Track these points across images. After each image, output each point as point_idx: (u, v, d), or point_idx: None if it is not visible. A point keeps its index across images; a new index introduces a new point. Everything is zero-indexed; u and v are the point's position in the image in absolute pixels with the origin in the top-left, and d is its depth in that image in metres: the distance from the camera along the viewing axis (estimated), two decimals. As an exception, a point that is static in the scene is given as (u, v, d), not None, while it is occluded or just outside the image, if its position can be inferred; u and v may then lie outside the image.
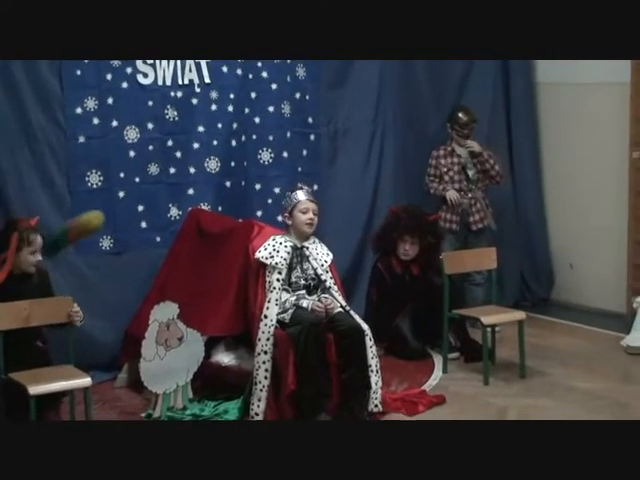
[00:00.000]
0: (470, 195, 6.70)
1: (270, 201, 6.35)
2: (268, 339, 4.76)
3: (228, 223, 5.67)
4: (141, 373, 4.90)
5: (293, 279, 4.97)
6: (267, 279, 4.91)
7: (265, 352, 4.75)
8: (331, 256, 5.10)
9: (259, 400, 4.77)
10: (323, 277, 4.99)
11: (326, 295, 4.92)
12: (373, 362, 4.86)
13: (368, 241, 6.58)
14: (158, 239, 5.96)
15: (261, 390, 4.76)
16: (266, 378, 4.75)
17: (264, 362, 4.75)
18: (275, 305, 4.82)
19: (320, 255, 5.06)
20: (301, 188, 5.09)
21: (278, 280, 4.88)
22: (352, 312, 4.97)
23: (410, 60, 6.65)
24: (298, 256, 4.99)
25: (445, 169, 6.68)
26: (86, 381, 4.47)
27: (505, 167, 7.16)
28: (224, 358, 5.22)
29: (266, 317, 4.80)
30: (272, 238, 5.02)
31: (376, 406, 4.84)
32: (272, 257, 4.92)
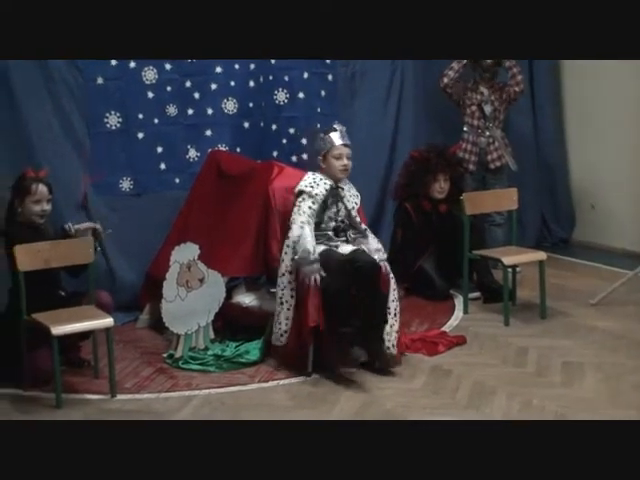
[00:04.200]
0: (488, 133, 6.64)
1: (285, 141, 6.33)
2: (292, 259, 4.74)
3: (248, 164, 5.65)
4: (162, 314, 4.92)
5: (325, 218, 4.90)
6: (299, 204, 4.85)
7: (290, 272, 4.73)
8: (360, 197, 5.07)
9: (286, 319, 4.75)
10: (357, 219, 4.95)
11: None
12: (392, 305, 4.84)
13: (390, 191, 6.51)
14: (177, 181, 5.96)
15: (288, 309, 4.74)
16: (292, 297, 4.73)
17: (289, 282, 4.73)
18: (300, 227, 4.75)
19: (352, 197, 5.00)
20: (335, 130, 4.95)
21: (310, 208, 4.81)
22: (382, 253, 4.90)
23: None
24: (335, 196, 4.94)
25: (469, 102, 6.61)
26: (108, 321, 4.46)
27: (527, 107, 7.07)
28: (245, 299, 5.24)
29: (289, 237, 4.77)
30: (311, 173, 4.96)
31: (388, 348, 4.80)
32: (312, 188, 4.86)
